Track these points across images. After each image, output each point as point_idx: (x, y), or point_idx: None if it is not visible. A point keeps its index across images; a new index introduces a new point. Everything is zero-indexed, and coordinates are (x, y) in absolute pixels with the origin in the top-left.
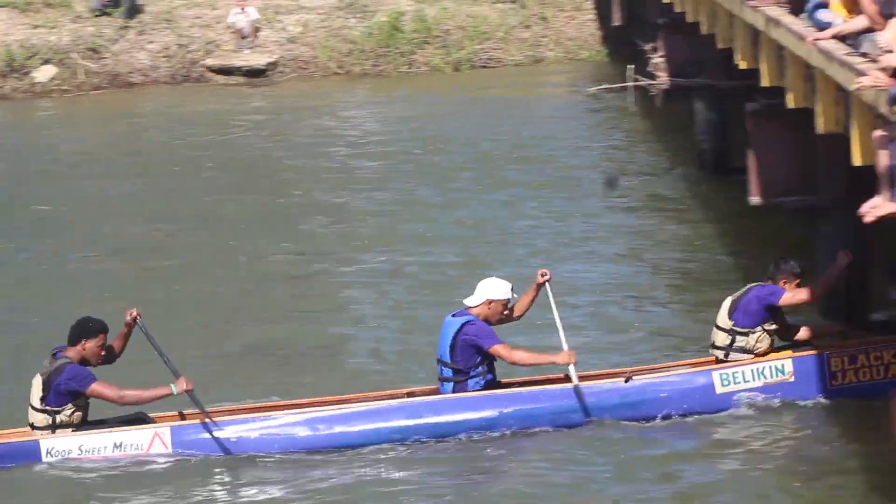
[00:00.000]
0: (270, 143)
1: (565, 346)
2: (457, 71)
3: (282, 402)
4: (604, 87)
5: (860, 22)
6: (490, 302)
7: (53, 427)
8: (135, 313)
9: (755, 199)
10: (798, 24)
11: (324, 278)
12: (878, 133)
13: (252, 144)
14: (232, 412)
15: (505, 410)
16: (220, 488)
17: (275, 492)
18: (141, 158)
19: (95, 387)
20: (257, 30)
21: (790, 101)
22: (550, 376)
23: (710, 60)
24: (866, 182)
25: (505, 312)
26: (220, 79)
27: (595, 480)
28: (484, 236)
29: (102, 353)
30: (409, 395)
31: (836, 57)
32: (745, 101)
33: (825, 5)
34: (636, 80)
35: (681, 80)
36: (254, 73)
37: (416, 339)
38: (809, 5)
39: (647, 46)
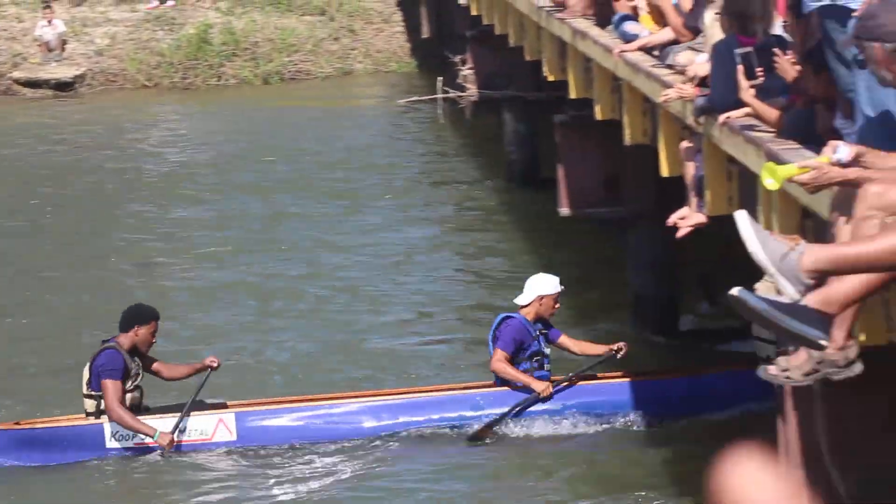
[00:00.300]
0: (74, 155)
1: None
2: (266, 83)
3: (345, 393)
4: (413, 98)
5: (666, 34)
6: (541, 298)
7: (99, 412)
8: (216, 363)
9: (565, 210)
10: (605, 36)
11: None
12: (684, 144)
13: (59, 157)
14: (295, 401)
15: (568, 403)
16: (283, 475)
17: (339, 478)
18: None
19: (106, 382)
20: (64, 42)
21: (598, 113)
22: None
23: (519, 72)
24: (674, 193)
25: (556, 306)
26: (28, 92)
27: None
28: (294, 251)
29: (154, 340)
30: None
31: (642, 69)
32: (553, 113)
33: (632, 18)
34: (445, 92)
35: (489, 92)
36: (61, 86)
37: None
38: (616, 18)
39: (456, 58)
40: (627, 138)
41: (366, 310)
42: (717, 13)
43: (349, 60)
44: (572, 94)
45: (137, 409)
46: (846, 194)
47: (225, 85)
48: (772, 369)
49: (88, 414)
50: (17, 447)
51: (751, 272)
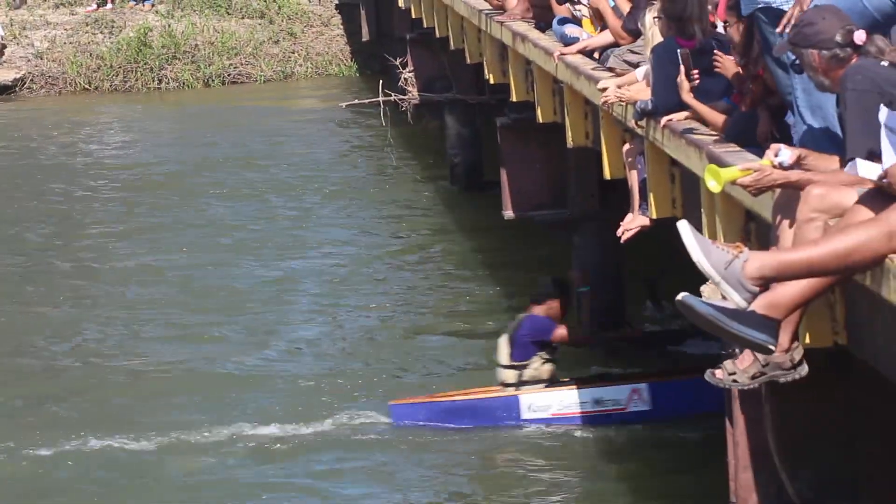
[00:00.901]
0: (18, 160)
1: None
2: (206, 86)
3: None
4: (355, 102)
5: (605, 37)
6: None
7: (521, 383)
8: None
9: (509, 214)
10: (545, 39)
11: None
12: (627, 147)
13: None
14: None
15: None
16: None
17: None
18: None
19: (559, 331)
20: (3, 46)
21: (540, 116)
22: None
23: (461, 75)
24: (618, 195)
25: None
26: None
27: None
28: (242, 260)
29: (565, 312)
30: None
31: (582, 71)
32: (496, 116)
33: (571, 21)
34: (387, 95)
35: (431, 95)
36: (1, 90)
37: None
38: (556, 20)
39: (397, 61)
40: (570, 141)
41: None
42: (655, 16)
43: (290, 64)
44: (514, 97)
45: (552, 381)
46: (789, 197)
47: (165, 88)
48: (718, 373)
49: (507, 385)
50: (441, 416)
51: (697, 273)
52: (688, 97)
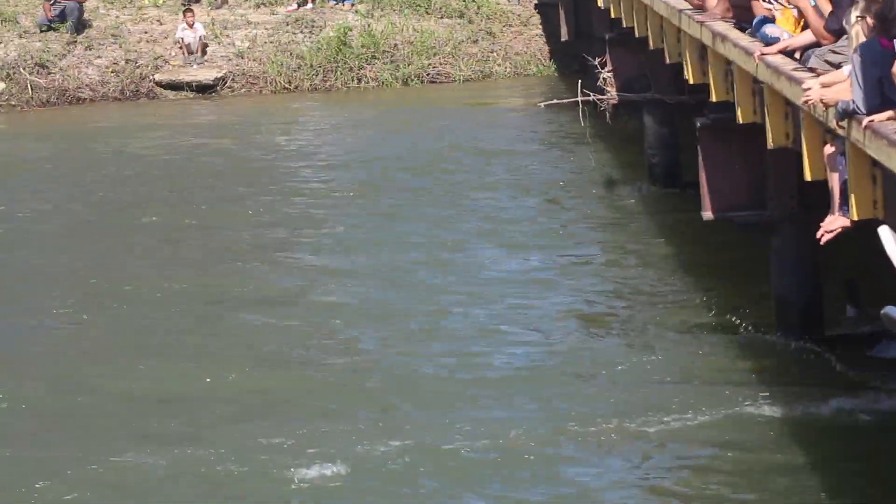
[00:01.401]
0: (226, 157)
1: None
2: (405, 86)
3: None
4: (554, 101)
5: (806, 37)
6: None
7: None
8: None
9: (707, 214)
10: (745, 39)
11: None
12: (828, 148)
13: (207, 159)
14: None
15: None
16: None
17: None
18: (92, 173)
19: None
20: (205, 45)
21: (740, 117)
22: None
23: (660, 75)
24: (818, 196)
25: None
26: (170, 94)
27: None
28: (449, 256)
29: None
30: None
31: (783, 72)
32: (695, 116)
33: (771, 21)
34: (585, 95)
35: (630, 95)
36: (203, 89)
37: None
38: (756, 20)
39: (596, 61)
40: (770, 142)
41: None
42: (858, 16)
43: (488, 63)
44: (713, 98)
45: None
46: None
47: (365, 87)
48: None
49: None
50: None
51: None
52: None
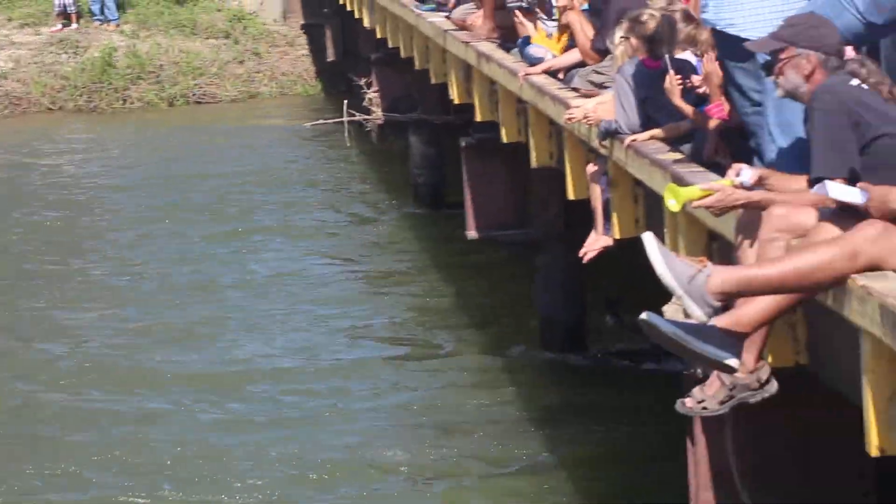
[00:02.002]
0: None
1: None
2: (171, 106)
3: None
4: (320, 121)
5: (571, 57)
6: None
7: None
8: None
9: (472, 234)
10: (509, 59)
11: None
12: (591, 167)
13: None
14: None
15: None
16: None
17: None
18: None
19: None
20: None
21: (504, 136)
22: None
23: (425, 95)
24: (582, 215)
25: None
26: None
27: None
28: (208, 277)
29: None
30: None
31: (547, 91)
32: (460, 136)
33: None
34: (351, 115)
35: (396, 115)
36: None
37: None
38: (520, 41)
39: (362, 81)
40: (534, 161)
41: (260, 338)
42: (623, 36)
43: (255, 84)
44: (478, 118)
45: None
46: (751, 217)
47: (130, 108)
48: (688, 402)
49: None
50: None
51: (659, 294)
52: (679, 101)
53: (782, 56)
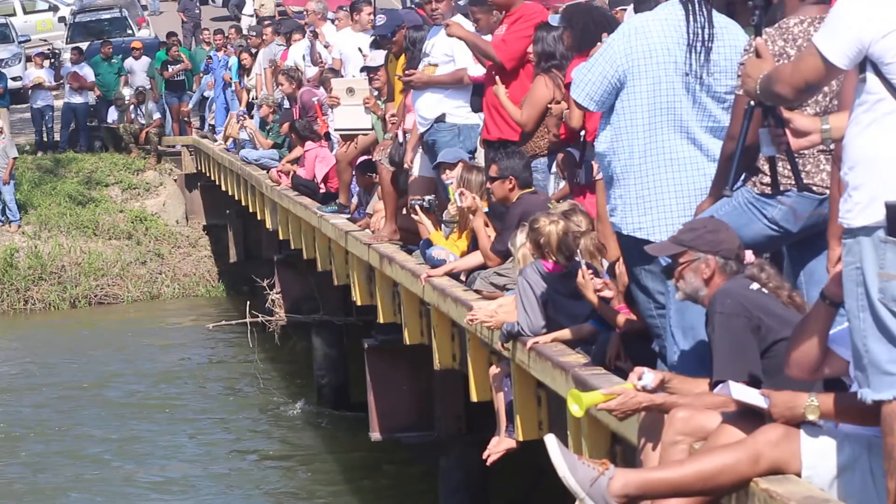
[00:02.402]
0: None
1: None
2: (73, 307)
3: None
4: (222, 322)
5: (473, 259)
6: None
7: None
8: None
9: (376, 435)
10: (412, 261)
11: None
12: (493, 369)
13: None
14: None
15: None
16: None
17: None
18: None
19: None
20: None
21: (407, 338)
22: None
23: (328, 296)
24: (485, 417)
25: None
26: None
27: None
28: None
29: None
30: None
31: (449, 293)
32: (363, 337)
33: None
34: (254, 316)
35: (298, 316)
36: None
37: None
38: (422, 242)
39: (265, 282)
40: (437, 363)
41: None
42: (524, 240)
43: (157, 284)
44: (381, 319)
45: None
46: (654, 420)
47: (31, 309)
48: None
49: None
50: None
51: (563, 497)
52: (592, 295)
53: (682, 260)
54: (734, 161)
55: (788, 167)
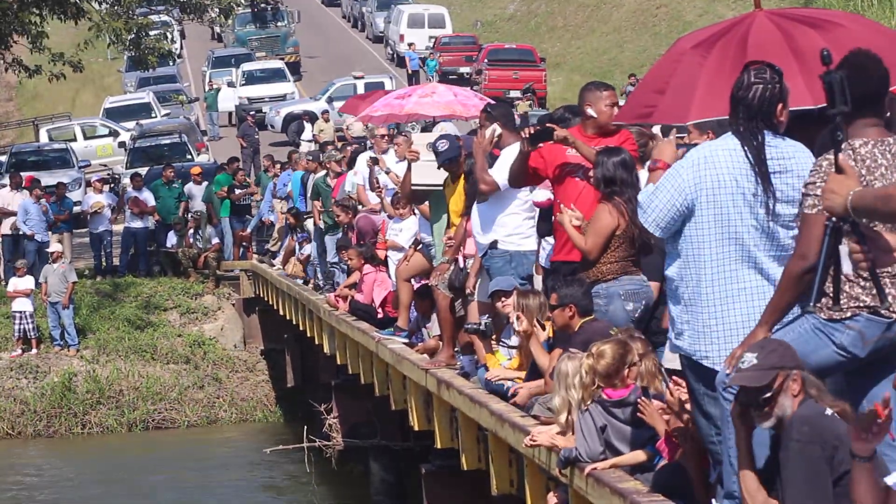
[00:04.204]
0: None
1: None
2: (130, 431)
3: None
4: (279, 447)
5: (534, 385)
6: None
7: None
8: None
9: None
10: (469, 386)
11: None
12: (551, 496)
13: None
14: None
15: None
16: None
17: None
18: None
19: None
20: None
21: (465, 463)
22: None
23: (385, 421)
24: None
25: None
26: None
27: None
28: None
29: None
30: None
31: (507, 418)
32: (420, 462)
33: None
34: (311, 441)
35: (356, 441)
36: None
37: None
38: (480, 369)
39: (322, 407)
40: (494, 488)
41: None
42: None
43: (214, 409)
44: (439, 444)
45: None
46: None
47: (89, 433)
48: None
49: None
50: None
51: None
52: (661, 423)
53: (776, 385)
54: (815, 279)
55: (857, 289)
